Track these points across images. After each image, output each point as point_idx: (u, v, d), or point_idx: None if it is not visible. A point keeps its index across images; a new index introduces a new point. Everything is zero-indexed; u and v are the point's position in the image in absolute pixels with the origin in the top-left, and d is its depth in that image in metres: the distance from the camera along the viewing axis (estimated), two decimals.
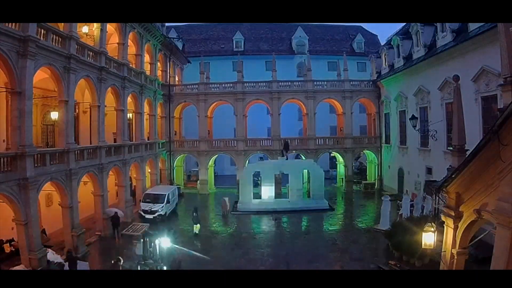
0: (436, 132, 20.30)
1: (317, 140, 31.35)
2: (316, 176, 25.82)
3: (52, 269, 12.85)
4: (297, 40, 42.64)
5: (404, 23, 27.29)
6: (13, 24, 12.37)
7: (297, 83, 32.22)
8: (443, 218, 8.55)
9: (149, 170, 27.40)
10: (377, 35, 45.49)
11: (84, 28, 19.32)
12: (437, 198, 9.22)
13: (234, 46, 41.95)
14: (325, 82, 31.84)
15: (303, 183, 27.48)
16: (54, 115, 16.91)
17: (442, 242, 8.67)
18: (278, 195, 26.17)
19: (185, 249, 15.19)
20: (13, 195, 12.48)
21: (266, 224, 21.39)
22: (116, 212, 18.45)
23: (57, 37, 15.05)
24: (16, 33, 12.43)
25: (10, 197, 12.42)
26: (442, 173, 11.24)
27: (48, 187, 15.02)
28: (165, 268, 10.66)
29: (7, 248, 14.74)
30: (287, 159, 27.18)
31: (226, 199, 24.24)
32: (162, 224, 20.46)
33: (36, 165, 13.56)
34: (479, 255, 11.02)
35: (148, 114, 27.42)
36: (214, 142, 31.90)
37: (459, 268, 8.03)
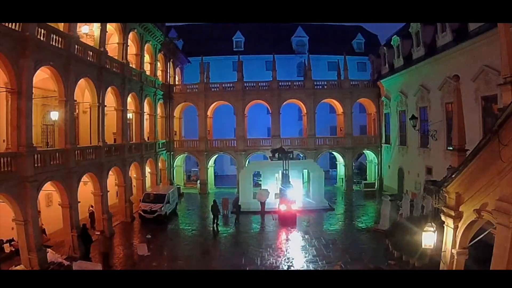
0: (436, 132, 20.28)
1: (317, 140, 31.30)
2: (316, 176, 25.79)
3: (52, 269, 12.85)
4: (297, 40, 42.60)
5: (404, 23, 27.27)
6: (13, 24, 12.36)
7: (297, 83, 32.21)
8: (443, 218, 8.54)
9: (149, 170, 27.38)
10: (377, 35, 45.36)
11: (84, 28, 19.31)
12: (437, 198, 9.21)
13: (234, 46, 41.91)
14: (325, 82, 31.84)
15: (303, 183, 27.42)
16: (54, 115, 16.88)
17: (442, 242, 8.66)
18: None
19: None
20: (13, 195, 12.47)
21: (266, 224, 21.38)
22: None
23: (57, 37, 15.03)
24: (16, 33, 12.42)
25: (10, 197, 12.41)
26: (442, 173, 11.25)
27: (48, 187, 15.01)
28: None
29: (7, 248, 14.74)
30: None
31: (227, 198, 24.27)
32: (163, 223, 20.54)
33: (36, 165, 13.54)
34: (479, 255, 11.01)
35: (148, 114, 27.40)
36: (214, 142, 31.88)
37: (459, 268, 8.02)
